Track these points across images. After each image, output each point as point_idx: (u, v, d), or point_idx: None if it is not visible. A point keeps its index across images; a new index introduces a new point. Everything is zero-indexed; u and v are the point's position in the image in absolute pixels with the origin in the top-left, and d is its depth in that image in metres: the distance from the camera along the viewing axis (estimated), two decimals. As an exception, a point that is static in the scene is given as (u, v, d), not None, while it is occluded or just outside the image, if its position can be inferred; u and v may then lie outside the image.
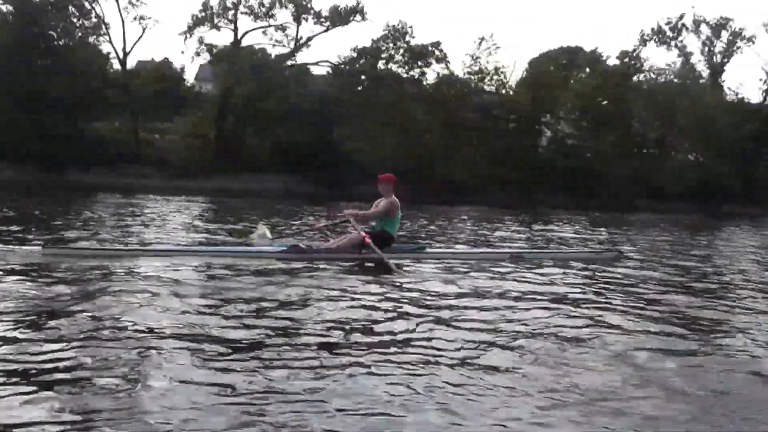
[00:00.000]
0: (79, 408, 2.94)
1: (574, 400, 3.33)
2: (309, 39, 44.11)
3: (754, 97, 51.51)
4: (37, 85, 35.26)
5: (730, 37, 50.59)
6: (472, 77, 46.76)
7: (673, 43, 50.65)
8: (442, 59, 45.00)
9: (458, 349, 4.16)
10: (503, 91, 47.41)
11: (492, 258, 9.16)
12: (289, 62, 44.56)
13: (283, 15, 43.65)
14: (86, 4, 39.79)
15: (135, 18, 41.38)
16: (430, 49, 44.33)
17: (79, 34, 39.86)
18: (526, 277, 7.53)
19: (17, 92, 34.86)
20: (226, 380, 3.36)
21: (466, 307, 5.55)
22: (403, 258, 8.48)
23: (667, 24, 50.28)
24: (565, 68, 54.52)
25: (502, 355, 4.08)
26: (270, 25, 43.33)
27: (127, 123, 40.55)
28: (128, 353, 3.74)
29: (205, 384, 3.28)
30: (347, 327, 4.60)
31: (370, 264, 7.84)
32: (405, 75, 44.79)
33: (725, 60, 51.41)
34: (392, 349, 4.08)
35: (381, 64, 44.57)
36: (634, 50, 49.97)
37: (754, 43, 50.04)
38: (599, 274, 8.24)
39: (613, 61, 51.92)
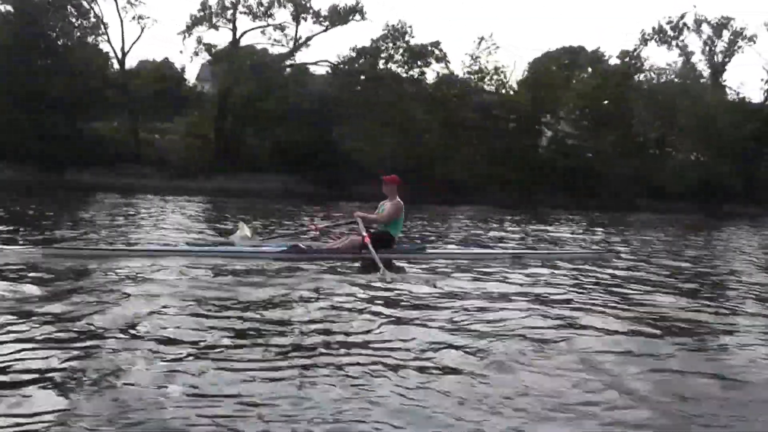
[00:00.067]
0: (75, 408, 2.96)
1: (525, 405, 3.30)
2: (308, 39, 44.09)
3: (755, 97, 51.40)
4: (37, 85, 35.22)
5: (731, 37, 50.50)
6: (472, 77, 46.78)
7: (674, 42, 50.62)
8: (442, 59, 44.97)
9: (423, 350, 4.16)
10: (503, 91, 47.42)
11: (492, 258, 9.22)
12: (288, 62, 44.50)
13: (282, 15, 43.56)
14: (84, 4, 39.83)
15: (134, 18, 41.42)
16: (429, 48, 44.26)
17: (78, 33, 39.84)
18: (521, 278, 7.56)
19: (17, 92, 34.84)
20: (221, 381, 3.40)
21: (449, 308, 5.55)
22: (404, 258, 8.57)
23: (668, 23, 50.25)
24: (567, 68, 54.53)
25: (466, 357, 4.05)
26: (269, 25, 43.33)
27: (127, 123, 40.52)
28: (128, 354, 3.77)
29: (203, 385, 3.32)
30: (325, 328, 4.61)
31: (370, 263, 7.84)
32: (404, 75, 44.71)
33: (726, 59, 51.34)
34: (355, 351, 4.07)
35: (380, 64, 44.50)
36: (635, 50, 50.00)
37: (755, 42, 49.98)
38: (596, 274, 8.26)
39: (614, 61, 52.02)
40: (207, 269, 7.00)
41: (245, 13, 42.80)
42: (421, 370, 3.76)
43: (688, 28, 50.47)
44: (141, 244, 9.14)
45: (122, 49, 41.58)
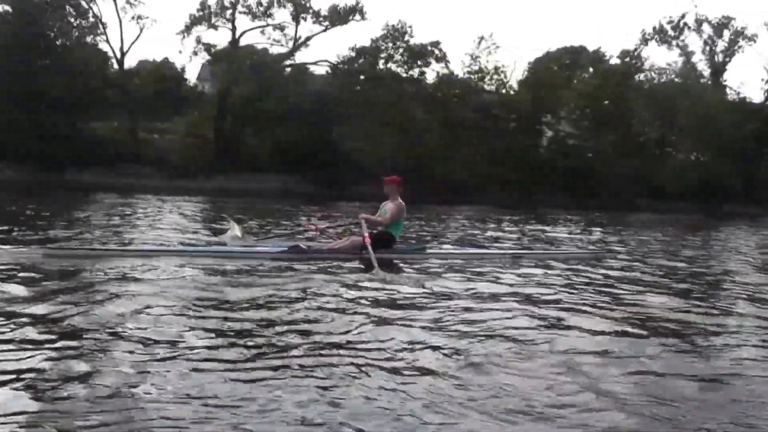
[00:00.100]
0: (72, 409, 2.98)
1: (492, 407, 3.27)
2: (308, 38, 44.02)
3: (756, 97, 51.33)
4: (37, 85, 35.18)
5: (732, 36, 50.38)
6: (472, 77, 46.74)
7: (674, 42, 50.52)
8: (442, 59, 44.90)
9: (399, 351, 4.16)
10: (503, 91, 47.41)
11: (490, 259, 9.27)
12: (288, 62, 44.46)
13: (282, 14, 43.53)
14: (83, 4, 39.80)
15: (132, 18, 41.30)
16: (429, 48, 44.19)
17: (76, 33, 39.81)
18: (515, 278, 7.59)
19: (17, 92, 34.82)
20: (191, 382, 3.41)
21: (435, 309, 5.56)
22: (404, 258, 8.62)
23: (668, 23, 50.18)
24: (568, 68, 54.49)
25: (441, 358, 4.04)
26: (268, 25, 43.25)
27: (127, 123, 40.43)
28: (127, 355, 3.79)
29: (200, 387, 3.33)
30: (306, 329, 4.62)
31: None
32: (404, 75, 44.63)
33: (727, 59, 51.24)
34: (332, 351, 4.08)
35: (380, 64, 44.43)
36: (636, 49, 49.93)
37: (755, 42, 49.90)
38: (590, 274, 8.30)
39: (614, 61, 51.97)
40: (205, 270, 7.01)
41: (244, 12, 42.78)
42: (393, 371, 3.74)
43: (689, 27, 50.41)
44: (139, 245, 9.13)
45: (121, 49, 41.58)
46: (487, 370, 3.84)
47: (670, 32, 50.17)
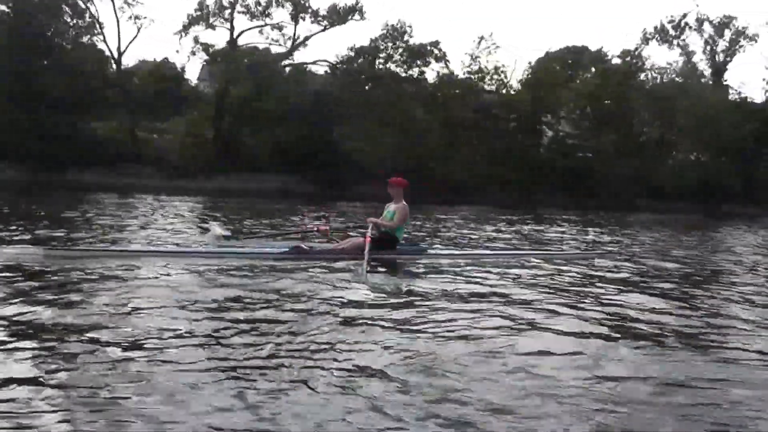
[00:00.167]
0: (70, 410, 3.02)
1: (432, 411, 3.21)
2: (306, 38, 44.18)
3: (757, 97, 51.33)
4: (37, 85, 35.33)
5: (733, 36, 50.41)
6: (472, 77, 46.76)
7: (675, 41, 50.54)
8: (441, 58, 44.99)
9: (360, 352, 4.15)
10: (503, 91, 47.42)
11: (490, 259, 9.33)
12: (287, 62, 44.52)
13: (280, 14, 43.51)
14: (81, 4, 39.88)
15: (130, 17, 41.43)
16: (428, 48, 44.29)
17: (73, 33, 39.91)
18: (504, 278, 7.60)
19: (17, 92, 34.94)
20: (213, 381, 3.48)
21: (413, 309, 5.57)
22: (405, 259, 8.69)
23: (670, 22, 50.20)
24: (570, 68, 54.44)
25: (398, 360, 3.99)
26: (266, 24, 43.35)
27: (127, 123, 40.47)
28: (126, 356, 3.82)
29: (197, 389, 3.38)
30: (270, 330, 4.63)
31: (374, 263, 7.87)
32: (404, 74, 44.69)
33: (728, 59, 51.26)
34: (289, 353, 4.07)
35: (379, 64, 44.50)
36: (636, 49, 49.93)
37: (756, 42, 49.94)
38: (584, 274, 8.32)
39: (616, 61, 51.92)
40: (205, 270, 7.03)
41: (243, 12, 42.90)
42: (347, 372, 3.73)
43: (690, 27, 50.45)
44: (139, 245, 9.14)
45: (118, 49, 41.69)
46: (438, 372, 3.79)
47: (671, 32, 50.29)
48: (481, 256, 9.75)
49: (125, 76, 42.83)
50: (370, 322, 4.99)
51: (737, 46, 50.61)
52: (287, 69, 44.17)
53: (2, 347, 3.90)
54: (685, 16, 50.05)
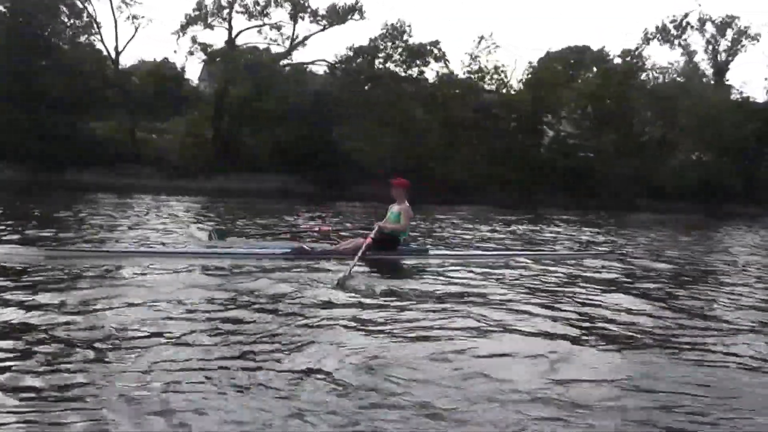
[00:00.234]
0: (67, 410, 3.03)
1: (372, 415, 3.16)
2: (305, 38, 44.00)
3: (759, 96, 51.16)
4: (37, 85, 35.30)
5: (735, 36, 50.26)
6: (472, 76, 46.70)
7: (677, 41, 50.41)
8: (441, 58, 44.87)
9: (316, 352, 4.13)
10: (503, 91, 47.35)
11: (490, 260, 9.36)
12: (286, 61, 44.40)
13: (279, 14, 43.37)
14: (78, 3, 39.77)
15: (128, 17, 41.24)
16: (428, 48, 44.17)
17: (70, 33, 39.87)
18: (493, 279, 7.61)
19: (16, 92, 34.91)
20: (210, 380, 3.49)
21: (394, 309, 5.55)
22: (407, 259, 8.72)
23: (671, 22, 50.05)
24: (572, 67, 54.36)
25: (354, 362, 3.94)
26: (265, 24, 43.16)
27: (127, 123, 40.37)
28: (126, 356, 3.83)
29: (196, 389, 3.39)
30: (235, 329, 4.63)
31: (373, 265, 7.92)
32: (403, 74, 44.54)
33: (730, 58, 51.11)
34: (247, 354, 4.05)
35: (379, 63, 44.37)
36: (637, 49, 49.80)
37: (758, 41, 49.76)
38: (577, 274, 8.33)
39: (617, 61, 51.78)
40: (205, 271, 7.02)
41: (241, 12, 42.68)
42: (291, 373, 3.69)
43: (692, 27, 50.28)
44: (140, 246, 9.15)
45: (116, 48, 41.53)
46: (385, 374, 3.72)
47: (673, 31, 50.09)
48: (482, 257, 9.78)
49: (124, 76, 42.80)
50: (334, 322, 4.94)
51: (739, 46, 50.45)
52: (286, 69, 44.06)
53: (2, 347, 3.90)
54: (686, 15, 49.94)
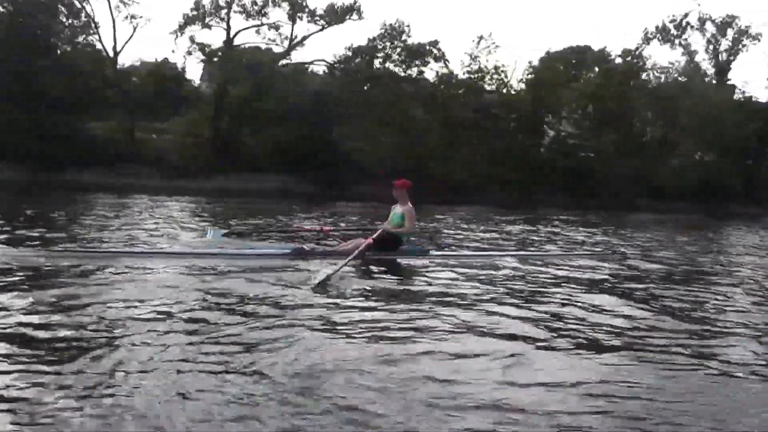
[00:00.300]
0: (67, 411, 3.04)
1: (329, 419, 3.12)
2: (304, 38, 44.07)
3: (761, 96, 51.13)
4: (36, 85, 35.36)
5: (736, 35, 50.20)
6: (472, 76, 46.65)
7: (677, 41, 50.35)
8: (440, 58, 44.85)
9: (288, 352, 4.10)
10: (504, 91, 47.30)
11: (492, 260, 9.36)
12: (284, 61, 44.42)
13: (277, 14, 43.43)
14: (76, 3, 39.90)
15: (126, 17, 41.36)
16: (427, 48, 44.17)
17: (68, 32, 39.94)
18: (497, 279, 7.59)
19: (16, 92, 34.96)
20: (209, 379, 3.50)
21: (371, 311, 5.51)
22: (407, 260, 8.70)
23: (671, 22, 50.00)
24: (574, 67, 54.30)
25: (320, 363, 3.91)
26: (263, 24, 43.21)
27: (127, 123, 40.44)
28: (126, 356, 3.84)
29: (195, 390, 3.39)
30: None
31: (373, 266, 7.91)
32: (402, 74, 44.55)
33: (731, 58, 51.03)
34: (229, 352, 4.04)
35: (378, 63, 44.40)
36: (638, 48, 49.73)
37: (759, 41, 49.70)
38: (572, 274, 8.30)
39: (618, 60, 51.69)
40: (205, 271, 7.02)
41: (239, 12, 42.74)
42: (246, 376, 3.65)
43: (692, 26, 50.25)
44: (140, 246, 9.14)
45: (114, 48, 41.59)
46: (322, 377, 3.66)
47: (673, 31, 50.05)
48: (482, 257, 9.77)
49: (123, 76, 42.87)
50: (300, 324, 4.88)
51: (740, 46, 50.42)
52: (286, 68, 44.05)
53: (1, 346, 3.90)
54: (686, 15, 49.91)
